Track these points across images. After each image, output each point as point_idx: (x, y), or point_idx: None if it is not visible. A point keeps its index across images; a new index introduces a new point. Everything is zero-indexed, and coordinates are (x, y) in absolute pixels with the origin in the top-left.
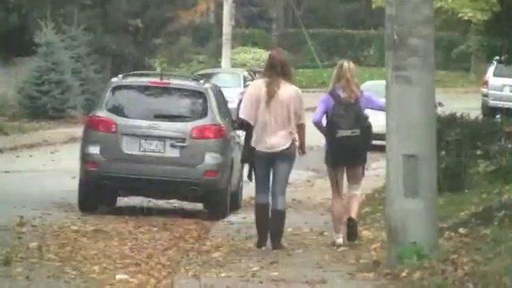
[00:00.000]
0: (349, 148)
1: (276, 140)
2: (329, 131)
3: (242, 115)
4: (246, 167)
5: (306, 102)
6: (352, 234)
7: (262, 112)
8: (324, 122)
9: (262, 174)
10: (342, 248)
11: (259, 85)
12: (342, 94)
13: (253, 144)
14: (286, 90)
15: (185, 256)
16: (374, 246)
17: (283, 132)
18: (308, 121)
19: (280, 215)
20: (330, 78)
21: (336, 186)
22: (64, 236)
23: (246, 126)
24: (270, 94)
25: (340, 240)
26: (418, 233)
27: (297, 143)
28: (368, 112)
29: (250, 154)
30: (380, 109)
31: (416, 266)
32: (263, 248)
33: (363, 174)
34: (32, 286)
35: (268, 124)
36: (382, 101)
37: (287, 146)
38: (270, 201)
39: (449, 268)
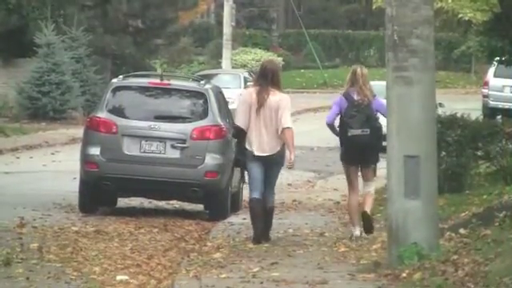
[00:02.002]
0: (360, 146)
1: (267, 144)
2: (341, 131)
3: (237, 122)
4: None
5: (306, 102)
6: (368, 226)
7: (254, 118)
8: (337, 123)
9: (255, 174)
10: (342, 249)
11: (250, 93)
12: (356, 97)
13: (247, 147)
14: (276, 97)
15: (185, 257)
16: (375, 246)
17: (273, 137)
18: (316, 121)
19: (270, 212)
20: (330, 79)
21: (351, 182)
22: (64, 237)
23: (239, 132)
24: (260, 102)
25: (357, 232)
26: (419, 233)
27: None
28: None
29: (241, 159)
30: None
31: (416, 267)
32: (264, 246)
33: (375, 174)
34: (32, 286)
35: (259, 129)
36: None
37: (277, 149)
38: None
39: (449, 268)
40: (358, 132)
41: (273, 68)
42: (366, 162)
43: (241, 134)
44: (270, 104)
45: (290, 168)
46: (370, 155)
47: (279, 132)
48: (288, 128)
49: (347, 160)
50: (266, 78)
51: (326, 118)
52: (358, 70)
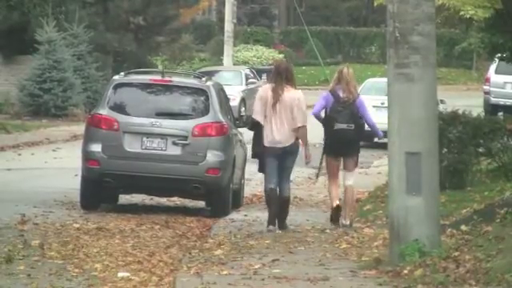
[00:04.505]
0: (344, 139)
1: (282, 137)
2: (327, 124)
3: (254, 116)
4: (252, 161)
5: (308, 99)
6: (335, 218)
7: (270, 113)
8: (322, 115)
9: (271, 165)
10: (343, 246)
11: (266, 89)
12: (342, 94)
13: (263, 141)
14: (290, 93)
15: (187, 254)
16: (376, 243)
17: (288, 130)
18: (310, 116)
19: (285, 200)
20: (332, 76)
21: (333, 173)
22: (66, 234)
23: (256, 126)
24: (276, 98)
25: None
26: (420, 230)
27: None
28: (372, 109)
29: (259, 151)
30: (362, 116)
31: (418, 264)
32: (271, 228)
33: (357, 164)
34: (34, 283)
35: (275, 123)
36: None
37: (291, 142)
38: (278, 189)
39: (451, 265)
40: (343, 126)
41: (286, 67)
42: (348, 152)
43: (257, 127)
44: (284, 100)
45: (307, 163)
46: (352, 148)
47: (293, 129)
48: (302, 126)
49: (331, 153)
50: (281, 76)
51: (313, 110)
52: (345, 69)
